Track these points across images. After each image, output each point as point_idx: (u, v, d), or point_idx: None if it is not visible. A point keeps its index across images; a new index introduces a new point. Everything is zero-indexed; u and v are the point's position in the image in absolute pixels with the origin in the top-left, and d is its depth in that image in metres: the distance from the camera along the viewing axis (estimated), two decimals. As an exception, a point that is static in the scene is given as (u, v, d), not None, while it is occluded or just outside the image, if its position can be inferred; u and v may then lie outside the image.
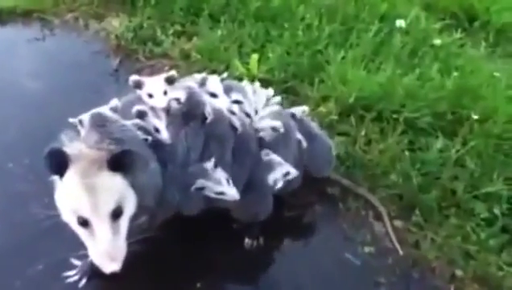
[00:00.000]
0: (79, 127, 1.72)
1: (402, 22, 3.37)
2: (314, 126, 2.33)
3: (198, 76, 2.13)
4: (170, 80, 1.92)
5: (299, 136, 2.18)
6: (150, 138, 1.77)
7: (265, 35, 3.29)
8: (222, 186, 1.83)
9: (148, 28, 3.33)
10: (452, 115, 2.84)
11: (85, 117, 1.72)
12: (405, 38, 3.41)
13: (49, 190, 1.61)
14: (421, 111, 2.76)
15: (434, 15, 3.91)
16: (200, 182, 1.82)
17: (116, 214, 1.49)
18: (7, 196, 2.27)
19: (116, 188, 1.51)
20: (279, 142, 2.08)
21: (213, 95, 2.01)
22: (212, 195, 1.84)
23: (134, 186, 1.59)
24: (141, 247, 1.58)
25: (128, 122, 1.77)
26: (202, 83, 2.04)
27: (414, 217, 2.38)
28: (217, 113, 1.94)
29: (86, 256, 1.74)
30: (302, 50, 3.14)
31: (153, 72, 2.94)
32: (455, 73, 3.04)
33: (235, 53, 3.09)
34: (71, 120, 1.73)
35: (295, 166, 2.06)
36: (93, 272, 1.92)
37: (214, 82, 2.11)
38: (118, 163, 1.51)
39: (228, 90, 2.08)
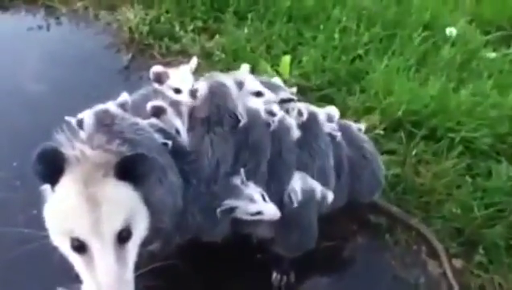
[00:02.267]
0: (78, 129, 1.35)
1: (454, 30, 2.99)
2: (365, 140, 1.92)
3: (231, 76, 1.72)
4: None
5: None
6: (170, 143, 1.38)
7: (297, 37, 2.91)
8: (257, 204, 1.43)
9: (165, 22, 2.96)
10: (515, 138, 2.44)
11: (87, 115, 1.35)
12: (452, 49, 3.02)
13: (39, 200, 1.26)
14: (480, 131, 2.37)
15: (479, 28, 3.53)
16: (227, 203, 1.42)
17: (123, 237, 1.17)
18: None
19: (125, 202, 1.20)
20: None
21: (258, 94, 1.62)
22: (246, 217, 1.44)
23: (147, 202, 1.26)
24: (152, 281, 1.22)
25: (143, 121, 1.38)
26: (239, 84, 1.64)
27: (478, 256, 1.99)
28: (253, 115, 1.54)
29: (77, 287, 1.36)
30: (339, 55, 2.77)
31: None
32: (515, 91, 2.64)
33: (263, 54, 2.71)
34: (68, 119, 1.35)
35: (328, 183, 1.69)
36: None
37: (251, 80, 1.72)
38: (129, 169, 1.17)
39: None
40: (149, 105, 1.46)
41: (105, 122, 1.34)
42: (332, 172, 1.74)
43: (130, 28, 2.91)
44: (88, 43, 2.94)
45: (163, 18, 2.98)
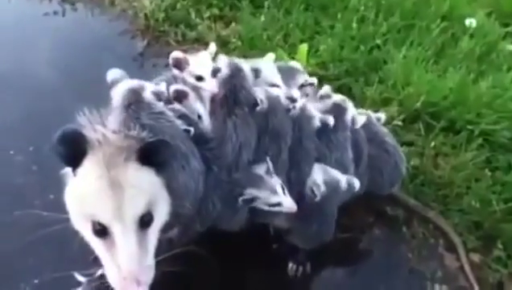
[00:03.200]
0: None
1: (473, 21, 2.94)
2: (386, 133, 1.89)
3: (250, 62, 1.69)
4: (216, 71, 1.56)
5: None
6: (192, 129, 1.37)
7: (314, 26, 2.87)
8: (278, 195, 1.41)
9: (181, 9, 2.93)
10: (535, 131, 2.39)
11: (121, 85, 1.37)
12: (471, 40, 2.97)
13: (56, 185, 1.27)
14: (500, 124, 2.32)
15: (498, 20, 3.46)
16: (249, 192, 1.41)
17: (145, 222, 1.16)
18: (4, 190, 1.87)
19: (147, 186, 1.19)
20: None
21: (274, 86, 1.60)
22: (266, 207, 1.42)
23: (169, 187, 1.26)
24: (170, 267, 1.19)
25: (165, 108, 1.37)
26: (256, 74, 1.62)
27: (497, 250, 1.96)
28: (273, 101, 1.52)
29: (93, 273, 1.36)
30: (357, 44, 2.73)
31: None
32: (534, 84, 2.59)
33: (280, 42, 2.68)
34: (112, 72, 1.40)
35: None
36: (101, 293, 1.52)
37: (270, 69, 1.70)
38: (152, 155, 1.17)
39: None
40: (172, 89, 1.44)
41: (130, 102, 1.33)
42: (350, 163, 1.72)
43: (145, 15, 2.89)
44: (104, 30, 2.92)
45: (178, 5, 2.95)
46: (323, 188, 1.57)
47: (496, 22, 3.38)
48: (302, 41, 2.71)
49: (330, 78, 2.53)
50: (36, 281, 1.61)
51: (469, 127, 2.32)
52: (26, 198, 1.84)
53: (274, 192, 1.43)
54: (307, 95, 1.83)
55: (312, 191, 1.57)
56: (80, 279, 1.60)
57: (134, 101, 1.36)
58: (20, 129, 2.17)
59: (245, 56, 2.51)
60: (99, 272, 1.53)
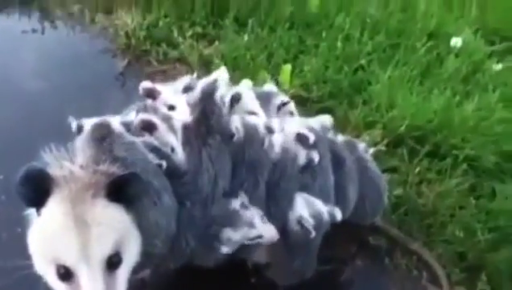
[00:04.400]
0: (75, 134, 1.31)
1: (459, 40, 2.91)
2: (370, 160, 1.84)
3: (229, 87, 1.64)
4: (187, 88, 1.52)
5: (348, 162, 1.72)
6: (165, 163, 1.31)
7: (298, 45, 2.83)
8: (256, 229, 1.37)
9: (164, 27, 2.88)
10: (521, 155, 2.36)
11: (87, 123, 1.31)
12: (456, 60, 2.94)
13: (24, 217, 1.21)
14: (485, 148, 2.29)
15: (484, 38, 3.45)
16: (226, 234, 1.35)
17: (113, 263, 1.10)
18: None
19: (116, 224, 1.12)
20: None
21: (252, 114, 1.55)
22: (246, 242, 1.37)
23: (139, 225, 1.19)
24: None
25: (137, 140, 1.32)
26: (236, 99, 1.56)
27: (481, 283, 1.90)
28: (251, 130, 1.47)
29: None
30: (341, 64, 2.69)
31: (166, 78, 2.48)
32: (521, 105, 2.57)
33: (263, 63, 2.63)
34: (71, 121, 1.31)
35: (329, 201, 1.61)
36: None
37: (249, 95, 1.65)
38: (121, 190, 1.11)
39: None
40: (138, 119, 1.38)
41: (100, 136, 1.28)
42: (332, 190, 1.66)
43: (126, 33, 2.83)
44: (84, 48, 2.87)
45: (161, 23, 2.90)
46: (312, 221, 1.52)
47: (482, 40, 3.36)
48: (286, 61, 2.67)
49: (313, 100, 2.48)
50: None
51: (454, 152, 2.28)
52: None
53: (252, 225, 1.37)
54: (291, 113, 1.79)
55: (302, 226, 1.52)
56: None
57: (106, 133, 1.31)
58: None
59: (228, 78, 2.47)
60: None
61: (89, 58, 2.81)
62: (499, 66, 3.02)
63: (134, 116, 1.42)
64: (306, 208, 1.54)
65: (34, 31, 2.90)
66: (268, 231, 1.40)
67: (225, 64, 2.63)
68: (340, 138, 1.90)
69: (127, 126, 1.37)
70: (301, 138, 1.56)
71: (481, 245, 1.98)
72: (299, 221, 1.52)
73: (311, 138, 1.56)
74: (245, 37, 2.80)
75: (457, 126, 2.39)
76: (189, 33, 2.86)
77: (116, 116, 1.43)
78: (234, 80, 2.21)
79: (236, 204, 1.42)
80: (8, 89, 2.52)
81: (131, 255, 1.16)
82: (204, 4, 2.98)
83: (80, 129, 1.29)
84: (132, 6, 2.96)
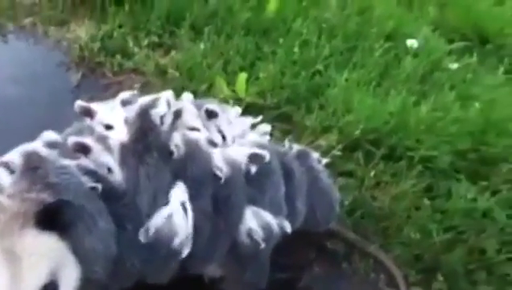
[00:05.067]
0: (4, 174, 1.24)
1: (414, 41, 2.95)
2: (321, 170, 1.84)
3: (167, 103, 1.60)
4: (125, 103, 1.47)
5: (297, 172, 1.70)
6: (100, 186, 1.28)
7: (255, 51, 2.81)
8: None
9: (118, 38, 2.83)
10: (475, 153, 2.38)
11: (15, 156, 1.25)
12: (414, 60, 2.97)
13: None
14: (440, 148, 2.31)
15: (443, 36, 3.49)
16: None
17: None
18: None
19: (48, 253, 1.09)
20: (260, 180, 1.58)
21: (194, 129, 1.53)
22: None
23: (75, 251, 1.16)
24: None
25: (71, 163, 1.28)
26: (176, 116, 1.54)
27: (436, 283, 1.93)
28: (192, 145, 1.45)
29: None
30: (298, 70, 2.69)
31: (121, 89, 2.43)
32: (476, 104, 2.59)
33: (220, 71, 2.61)
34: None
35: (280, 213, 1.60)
36: None
37: (190, 110, 1.62)
38: (52, 218, 1.08)
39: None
40: (71, 141, 1.35)
41: (31, 165, 1.24)
42: (283, 202, 1.65)
43: (80, 46, 2.78)
44: (38, 62, 2.80)
45: (115, 34, 2.86)
46: (261, 233, 1.50)
47: (441, 39, 3.41)
48: (242, 68, 2.65)
49: (270, 107, 2.47)
50: None
51: (409, 154, 2.29)
52: None
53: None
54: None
55: (251, 238, 1.50)
56: None
57: (37, 161, 1.27)
58: None
59: (183, 88, 2.45)
60: None
61: (44, 72, 2.74)
62: (456, 65, 3.05)
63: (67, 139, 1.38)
64: (255, 219, 1.53)
65: (-16, 43, 2.83)
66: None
67: (180, 74, 2.62)
68: (295, 147, 1.89)
69: (51, 145, 1.35)
70: (255, 158, 1.55)
71: (436, 246, 2.00)
72: (249, 234, 1.51)
73: (267, 156, 1.55)
74: (202, 45, 2.77)
75: (412, 127, 2.40)
76: (145, 42, 2.83)
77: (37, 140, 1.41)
78: (191, 90, 2.21)
79: (164, 213, 1.39)
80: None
81: (69, 283, 1.13)
82: (159, 13, 2.93)
83: (8, 166, 1.24)
84: (86, 17, 2.91)
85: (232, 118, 1.72)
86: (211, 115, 1.66)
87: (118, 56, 2.74)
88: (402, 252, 1.99)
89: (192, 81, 2.58)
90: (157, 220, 1.34)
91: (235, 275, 1.62)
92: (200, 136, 1.52)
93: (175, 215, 1.35)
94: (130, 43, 2.81)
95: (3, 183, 1.20)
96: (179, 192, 1.38)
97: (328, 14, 3.12)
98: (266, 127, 1.77)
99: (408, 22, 3.41)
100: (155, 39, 2.88)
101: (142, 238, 1.32)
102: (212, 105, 1.70)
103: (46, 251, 1.09)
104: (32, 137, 1.42)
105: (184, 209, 1.36)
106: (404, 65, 2.89)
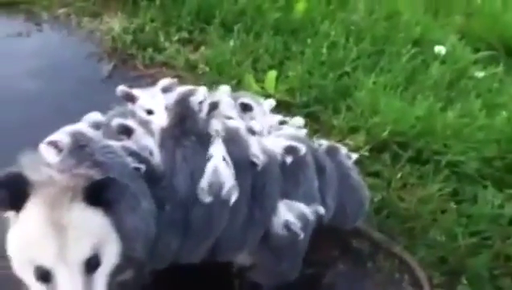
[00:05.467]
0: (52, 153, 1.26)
1: (442, 48, 2.95)
2: (351, 167, 1.86)
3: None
4: (165, 90, 1.53)
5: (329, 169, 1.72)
6: (143, 167, 1.31)
7: (284, 51, 2.84)
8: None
9: (150, 32, 2.89)
10: (502, 161, 2.38)
11: (63, 136, 1.27)
12: (441, 67, 2.98)
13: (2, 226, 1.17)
14: (467, 154, 2.31)
15: (469, 45, 3.49)
16: None
17: (91, 266, 1.10)
18: None
19: (93, 228, 1.13)
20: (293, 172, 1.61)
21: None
22: None
23: (118, 229, 1.19)
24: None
25: (115, 144, 1.32)
26: (213, 107, 1.58)
27: (461, 286, 1.92)
28: (231, 132, 1.48)
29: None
30: (326, 71, 2.71)
31: (152, 82, 2.47)
32: (503, 112, 2.59)
33: (249, 68, 2.64)
34: (45, 143, 1.26)
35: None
36: None
37: (228, 103, 1.66)
38: (99, 194, 1.11)
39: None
40: (115, 123, 1.39)
41: (78, 144, 1.27)
42: (317, 193, 1.66)
43: (112, 37, 2.83)
44: (70, 52, 2.86)
45: (147, 28, 2.91)
46: (299, 224, 1.52)
47: (467, 48, 3.41)
48: (271, 67, 2.68)
49: (298, 106, 2.50)
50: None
51: (436, 158, 2.30)
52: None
53: None
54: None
55: (289, 229, 1.52)
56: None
57: (84, 140, 1.31)
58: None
59: (213, 82, 2.49)
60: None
61: (75, 62, 2.81)
62: (482, 73, 3.06)
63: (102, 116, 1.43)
64: (290, 212, 1.55)
65: (19, 34, 2.89)
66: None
67: (210, 69, 2.66)
68: (324, 143, 1.91)
69: (95, 126, 1.39)
70: (291, 150, 1.58)
71: (461, 249, 2.00)
72: (286, 225, 1.52)
73: (303, 149, 1.57)
74: (231, 42, 2.81)
75: (440, 132, 2.41)
76: (175, 38, 2.87)
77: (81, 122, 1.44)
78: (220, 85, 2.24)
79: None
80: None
81: (110, 258, 1.16)
82: (190, 9, 2.98)
83: (56, 145, 1.27)
84: (118, 10, 2.96)
85: (266, 110, 1.76)
86: (246, 108, 1.70)
87: (150, 50, 2.79)
88: (426, 254, 1.99)
89: (222, 76, 2.61)
90: (206, 177, 1.38)
91: (269, 265, 1.62)
92: (240, 125, 1.54)
93: (220, 166, 1.40)
94: (161, 38, 2.86)
95: (52, 160, 1.24)
96: (218, 148, 1.42)
97: (355, 16, 3.13)
98: (300, 121, 1.79)
99: (435, 30, 3.42)
100: (185, 34, 2.93)
101: (202, 197, 1.36)
102: (247, 99, 1.74)
103: (91, 226, 1.12)
104: (63, 125, 1.41)
105: (226, 161, 1.41)
106: (431, 71, 2.90)
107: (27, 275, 1.10)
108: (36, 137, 1.27)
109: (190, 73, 2.67)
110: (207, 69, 2.65)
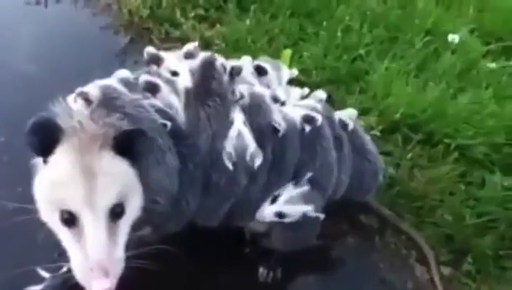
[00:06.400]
0: (82, 104, 1.29)
1: (456, 37, 2.98)
2: (365, 137, 1.89)
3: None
4: (188, 55, 1.57)
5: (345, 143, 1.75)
6: (169, 123, 1.34)
7: (299, 32, 2.87)
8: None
9: (167, 8, 2.90)
10: (510, 148, 2.41)
11: (93, 89, 1.31)
12: (453, 56, 3.00)
13: (25, 178, 1.22)
14: (477, 139, 2.34)
15: (480, 38, 3.51)
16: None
17: (116, 213, 1.14)
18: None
19: (121, 176, 1.16)
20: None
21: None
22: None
23: (143, 181, 1.22)
24: (140, 264, 1.15)
25: (143, 100, 1.35)
26: (237, 71, 1.61)
27: (467, 264, 1.96)
28: (257, 98, 1.51)
29: (58, 268, 1.30)
30: (340, 53, 2.73)
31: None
32: (512, 103, 2.63)
33: (265, 47, 2.66)
34: (75, 93, 1.29)
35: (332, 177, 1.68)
36: (65, 290, 1.47)
37: (250, 70, 1.70)
38: (127, 144, 1.14)
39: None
40: (142, 80, 1.42)
41: (109, 96, 1.31)
42: (335, 166, 1.69)
43: (129, 11, 2.85)
44: (86, 23, 2.87)
45: (164, 3, 2.92)
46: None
47: (478, 40, 3.43)
48: (286, 46, 2.70)
49: (312, 85, 2.52)
50: (-2, 275, 1.55)
51: (446, 141, 2.33)
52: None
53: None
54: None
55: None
56: (44, 274, 1.56)
57: (114, 93, 1.34)
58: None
59: (228, 59, 2.50)
60: (64, 269, 1.50)
61: (91, 33, 2.82)
62: (493, 65, 3.08)
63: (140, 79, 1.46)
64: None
65: (37, 3, 2.91)
66: None
67: (226, 46, 2.68)
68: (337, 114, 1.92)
69: (123, 82, 1.42)
70: (308, 120, 1.61)
71: (468, 229, 2.04)
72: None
73: (320, 119, 1.60)
74: (247, 21, 2.84)
75: (450, 116, 2.44)
76: (192, 14, 2.89)
77: (119, 75, 1.48)
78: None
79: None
80: (9, 60, 2.52)
81: (133, 208, 1.20)
82: (207, -13, 3.00)
83: (86, 96, 1.30)
84: (136, -16, 2.97)
85: (284, 79, 1.80)
86: (261, 72, 1.73)
87: (166, 25, 2.80)
88: (433, 232, 2.03)
89: (237, 54, 2.63)
90: (230, 141, 1.43)
91: (283, 233, 1.64)
92: (265, 92, 1.58)
93: (243, 131, 1.45)
94: (178, 14, 2.87)
95: (83, 109, 1.27)
96: (239, 115, 1.47)
97: (371, 3, 3.15)
98: (322, 94, 1.82)
99: (447, 21, 3.43)
100: (202, 12, 2.94)
101: (227, 161, 1.40)
102: (263, 63, 1.77)
103: (119, 174, 1.16)
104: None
105: (246, 126, 1.45)
106: (442, 60, 2.92)
107: (52, 219, 1.13)
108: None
109: (205, 49, 2.68)
110: (223, 45, 2.67)
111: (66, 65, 2.54)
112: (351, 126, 1.77)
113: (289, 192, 1.57)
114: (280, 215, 1.56)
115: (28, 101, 2.12)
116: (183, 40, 2.75)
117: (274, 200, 1.56)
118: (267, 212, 1.56)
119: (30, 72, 2.46)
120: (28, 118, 1.10)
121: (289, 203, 1.56)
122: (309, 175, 1.60)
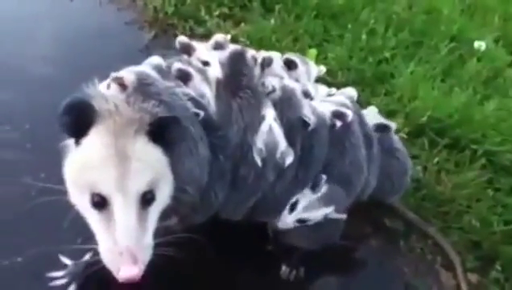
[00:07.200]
0: (117, 88, 1.26)
1: (483, 43, 2.94)
2: (394, 136, 1.85)
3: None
4: (218, 46, 1.55)
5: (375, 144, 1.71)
6: (202, 113, 1.32)
7: (323, 34, 2.84)
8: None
9: (191, 5, 2.89)
10: (537, 157, 2.37)
11: (128, 74, 1.28)
12: (478, 63, 2.96)
13: (48, 164, 1.23)
14: (504, 146, 2.30)
15: (506, 46, 3.47)
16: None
17: (146, 199, 1.11)
18: (-6, 164, 1.81)
19: (153, 163, 1.14)
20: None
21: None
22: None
23: (174, 170, 1.19)
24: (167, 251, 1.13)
25: (177, 88, 1.33)
26: (267, 62, 1.59)
27: (494, 272, 1.90)
28: (288, 92, 1.48)
29: (81, 255, 1.28)
30: (365, 55, 2.70)
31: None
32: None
33: (290, 46, 2.64)
34: (111, 78, 1.27)
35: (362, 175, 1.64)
36: (87, 278, 1.47)
37: (279, 63, 1.67)
38: (162, 131, 1.12)
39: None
40: (175, 67, 1.40)
41: (143, 82, 1.28)
42: (364, 164, 1.65)
43: (154, 7, 2.85)
44: (110, 18, 2.87)
45: (188, 1, 2.92)
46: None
47: (503, 49, 3.38)
48: (310, 47, 2.68)
49: (337, 85, 2.49)
50: (20, 259, 1.53)
51: (473, 147, 2.29)
52: (15, 174, 1.76)
53: None
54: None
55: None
56: (66, 261, 1.53)
57: (148, 79, 1.32)
58: (19, 106, 2.10)
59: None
60: (86, 257, 1.48)
61: (115, 29, 2.81)
62: (521, 73, 3.04)
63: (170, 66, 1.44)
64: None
65: (64, -4, 2.92)
66: None
67: (251, 44, 2.66)
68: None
69: (157, 69, 1.39)
70: (339, 116, 1.57)
71: (496, 236, 1.99)
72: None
73: (350, 116, 1.57)
74: (272, 21, 2.82)
75: (477, 122, 2.41)
76: (216, 12, 2.87)
77: (152, 62, 1.46)
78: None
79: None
80: (35, 55, 2.52)
81: (163, 196, 1.17)
82: (232, -14, 2.99)
83: (122, 81, 1.27)
84: (161, -20, 2.97)
85: (313, 75, 1.77)
86: (291, 66, 1.71)
87: (191, 21, 2.79)
88: (460, 238, 1.99)
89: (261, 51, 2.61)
90: (261, 136, 1.39)
91: (307, 232, 1.60)
92: (296, 86, 1.55)
93: (273, 127, 1.41)
94: (202, 12, 2.86)
95: (117, 94, 1.25)
96: (270, 111, 1.43)
97: (396, 7, 3.13)
98: (353, 92, 1.79)
99: (472, 29, 3.40)
100: (226, 10, 2.93)
101: (256, 157, 1.37)
102: (293, 57, 1.75)
103: (151, 160, 1.13)
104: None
105: (277, 122, 1.42)
106: (468, 66, 2.89)
107: (82, 201, 1.11)
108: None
109: (230, 46, 2.67)
110: (247, 43, 2.65)
111: (89, 59, 2.52)
112: (392, 127, 1.74)
113: (307, 197, 1.54)
114: (301, 221, 1.53)
115: (53, 96, 2.12)
116: (208, 37, 2.73)
117: (292, 209, 1.53)
118: (288, 221, 1.53)
119: (55, 66, 2.44)
120: (52, 108, 1.08)
121: (308, 209, 1.53)
122: (335, 172, 1.56)
